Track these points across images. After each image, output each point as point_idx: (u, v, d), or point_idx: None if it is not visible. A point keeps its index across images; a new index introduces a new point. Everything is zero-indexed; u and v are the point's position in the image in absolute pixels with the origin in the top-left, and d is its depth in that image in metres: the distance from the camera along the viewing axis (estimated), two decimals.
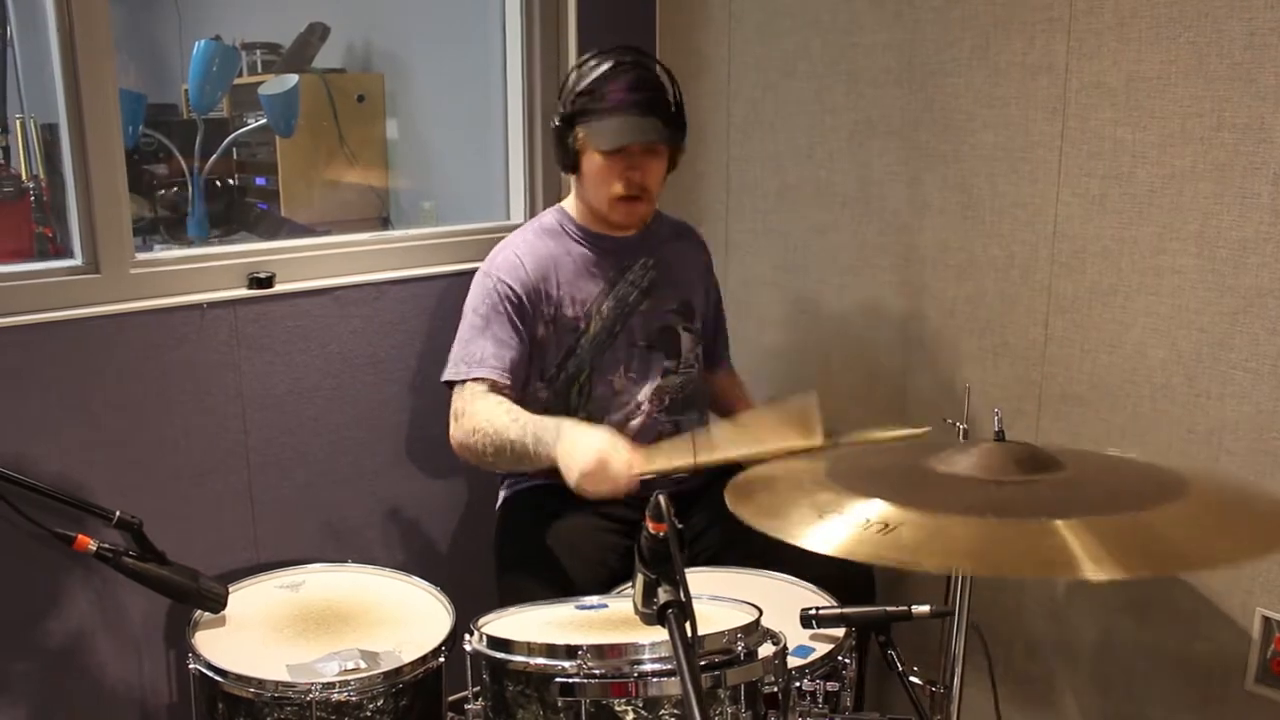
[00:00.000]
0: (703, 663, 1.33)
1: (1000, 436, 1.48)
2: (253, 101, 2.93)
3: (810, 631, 1.62)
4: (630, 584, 1.27)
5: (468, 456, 1.89)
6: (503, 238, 2.04)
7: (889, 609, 1.60)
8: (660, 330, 2.01)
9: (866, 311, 2.19)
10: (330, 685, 1.54)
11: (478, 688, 1.47)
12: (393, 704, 1.58)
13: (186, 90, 2.98)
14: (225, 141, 3.03)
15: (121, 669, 1.96)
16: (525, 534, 1.95)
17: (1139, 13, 1.71)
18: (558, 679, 1.34)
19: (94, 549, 1.63)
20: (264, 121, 2.94)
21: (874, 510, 1.25)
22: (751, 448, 1.72)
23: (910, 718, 1.60)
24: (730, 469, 1.86)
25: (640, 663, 1.33)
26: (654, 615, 1.21)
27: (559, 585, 1.81)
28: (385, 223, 3.09)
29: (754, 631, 1.40)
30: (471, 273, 2.01)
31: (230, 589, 1.76)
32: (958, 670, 1.64)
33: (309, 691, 1.53)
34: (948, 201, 2.01)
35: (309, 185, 3.01)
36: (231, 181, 3.12)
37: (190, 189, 2.93)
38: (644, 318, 1.99)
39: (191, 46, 2.86)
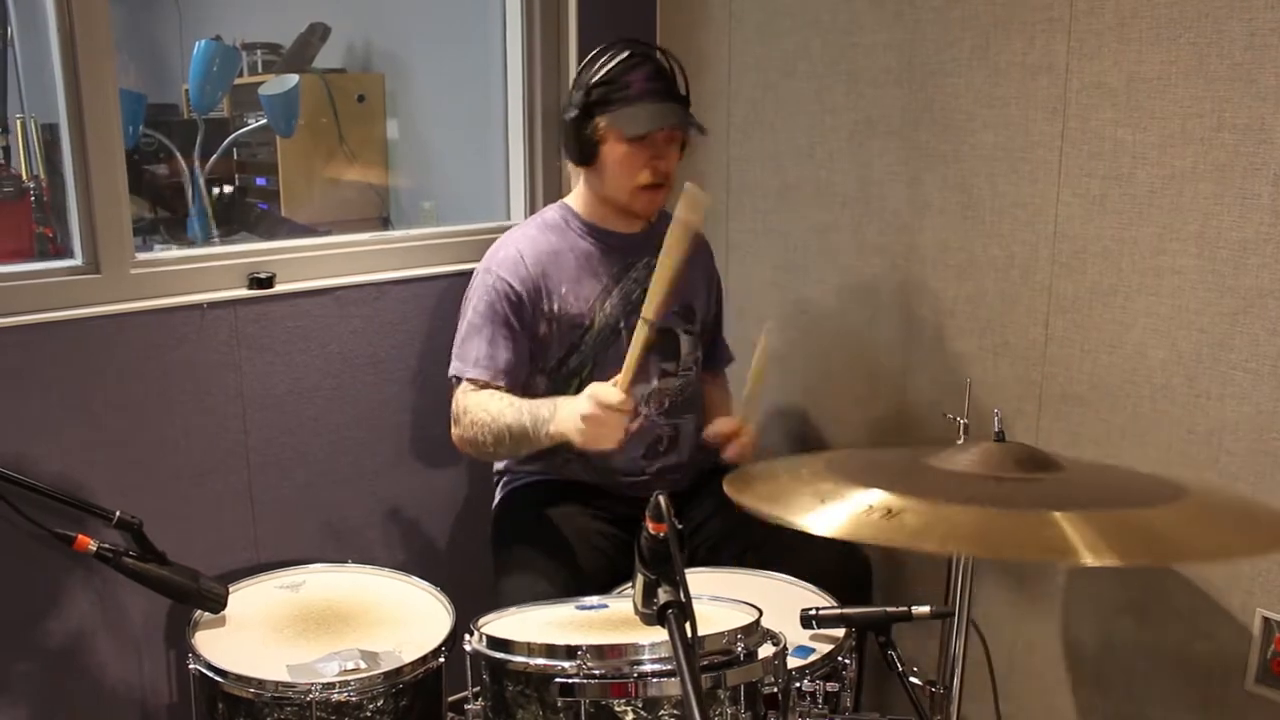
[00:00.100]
0: (703, 663, 1.33)
1: (1000, 437, 1.48)
2: (253, 101, 2.93)
3: (810, 632, 1.62)
4: (630, 584, 1.27)
5: (470, 450, 1.89)
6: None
7: (889, 609, 1.60)
8: (660, 332, 2.00)
9: (866, 311, 2.19)
10: (330, 685, 1.54)
11: (478, 688, 1.47)
12: (393, 704, 1.58)
13: (187, 90, 2.98)
14: (225, 141, 3.04)
15: (122, 669, 1.96)
16: (522, 528, 1.96)
17: (1139, 13, 1.71)
18: (557, 679, 1.34)
19: (94, 549, 1.63)
20: (264, 121, 2.95)
21: (876, 499, 1.26)
22: (663, 270, 1.67)
23: (910, 718, 1.60)
24: (730, 467, 1.87)
25: (640, 663, 1.33)
26: (654, 615, 1.21)
27: (556, 578, 1.81)
28: (385, 223, 3.09)
29: (754, 632, 1.40)
30: (471, 273, 2.01)
31: (230, 589, 1.76)
32: (958, 670, 1.64)
33: (309, 692, 1.53)
34: (948, 201, 2.01)
35: (309, 185, 3.02)
36: (233, 184, 3.13)
37: (190, 189, 2.93)
38: None
39: (192, 46, 2.86)
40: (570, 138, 1.91)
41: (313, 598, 1.82)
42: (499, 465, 2.10)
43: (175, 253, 2.22)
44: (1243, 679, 1.75)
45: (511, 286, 1.91)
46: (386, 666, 1.58)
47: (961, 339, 2.03)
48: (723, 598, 1.55)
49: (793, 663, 1.51)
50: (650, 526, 1.21)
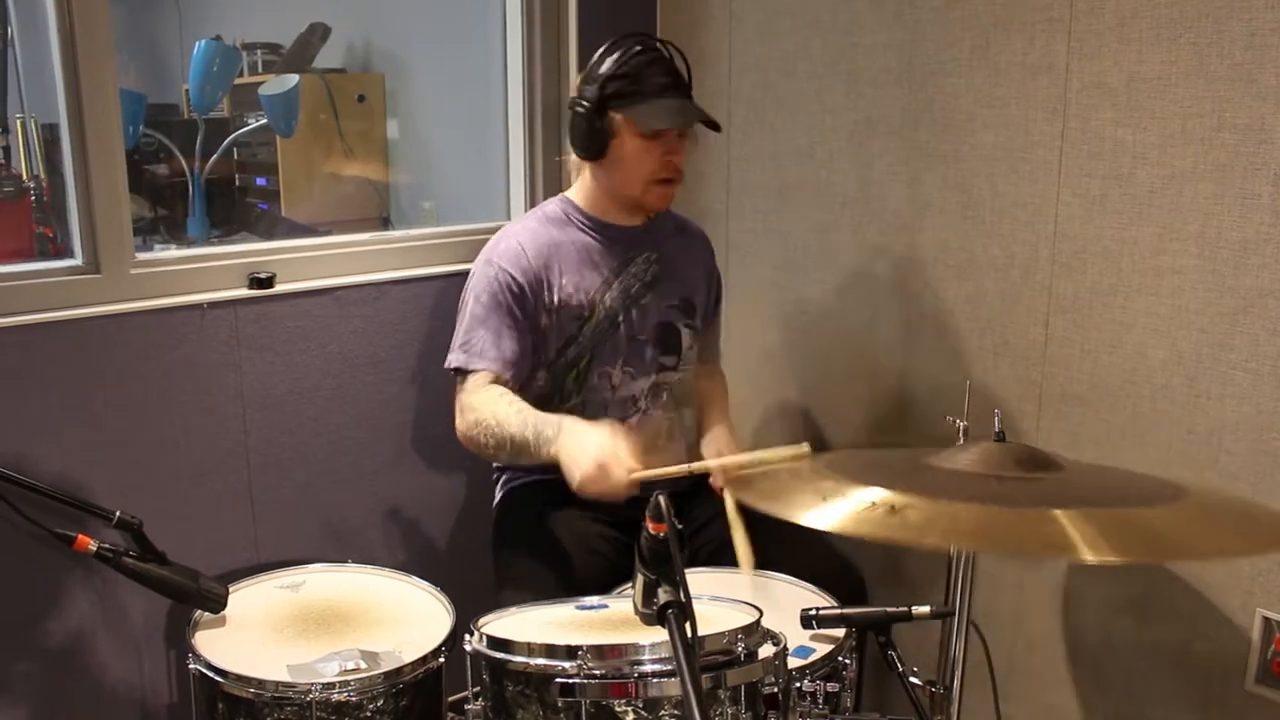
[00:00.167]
0: (703, 663, 1.33)
1: (1000, 437, 1.48)
2: (253, 101, 2.93)
3: (810, 632, 1.62)
4: (630, 584, 1.27)
5: (471, 448, 1.89)
6: None
7: (889, 609, 1.60)
8: (660, 326, 2.00)
9: (866, 311, 2.19)
10: (330, 685, 1.54)
11: (478, 688, 1.47)
12: (393, 704, 1.58)
13: (187, 90, 2.99)
14: (226, 141, 3.04)
15: (122, 669, 1.96)
16: (522, 535, 1.95)
17: (1139, 13, 1.71)
18: (558, 679, 1.34)
19: (94, 549, 1.63)
20: (264, 121, 2.95)
21: (877, 496, 1.26)
22: (744, 457, 1.73)
23: (910, 718, 1.60)
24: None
25: (640, 663, 1.33)
26: (654, 616, 1.21)
27: (556, 578, 1.82)
28: (385, 223, 3.10)
29: (754, 632, 1.40)
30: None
31: (230, 589, 1.76)
32: (958, 670, 1.64)
33: (309, 692, 1.53)
34: (948, 201, 2.01)
35: (309, 185, 3.02)
36: (233, 183, 3.13)
37: (190, 189, 2.93)
38: (644, 312, 1.98)
39: (192, 46, 2.87)
40: (580, 131, 1.90)
41: (313, 598, 1.82)
42: (498, 463, 2.10)
43: (175, 253, 2.22)
44: (1243, 679, 1.75)
45: (514, 278, 1.90)
46: (386, 666, 1.58)
47: (961, 339, 2.03)
48: (723, 598, 1.55)
49: (793, 663, 1.51)
50: (650, 526, 1.21)
